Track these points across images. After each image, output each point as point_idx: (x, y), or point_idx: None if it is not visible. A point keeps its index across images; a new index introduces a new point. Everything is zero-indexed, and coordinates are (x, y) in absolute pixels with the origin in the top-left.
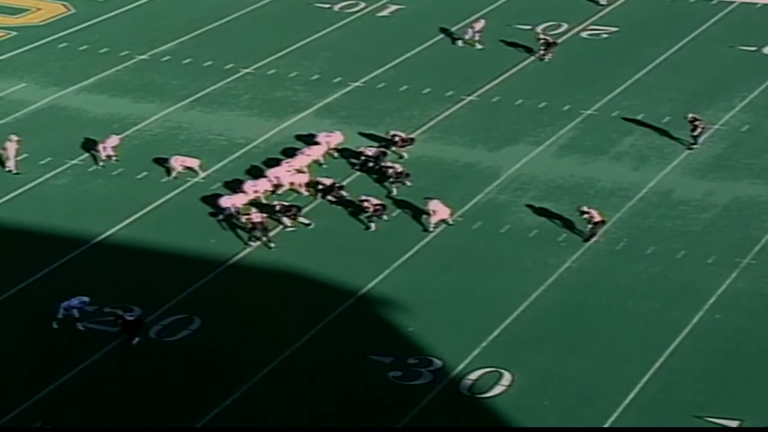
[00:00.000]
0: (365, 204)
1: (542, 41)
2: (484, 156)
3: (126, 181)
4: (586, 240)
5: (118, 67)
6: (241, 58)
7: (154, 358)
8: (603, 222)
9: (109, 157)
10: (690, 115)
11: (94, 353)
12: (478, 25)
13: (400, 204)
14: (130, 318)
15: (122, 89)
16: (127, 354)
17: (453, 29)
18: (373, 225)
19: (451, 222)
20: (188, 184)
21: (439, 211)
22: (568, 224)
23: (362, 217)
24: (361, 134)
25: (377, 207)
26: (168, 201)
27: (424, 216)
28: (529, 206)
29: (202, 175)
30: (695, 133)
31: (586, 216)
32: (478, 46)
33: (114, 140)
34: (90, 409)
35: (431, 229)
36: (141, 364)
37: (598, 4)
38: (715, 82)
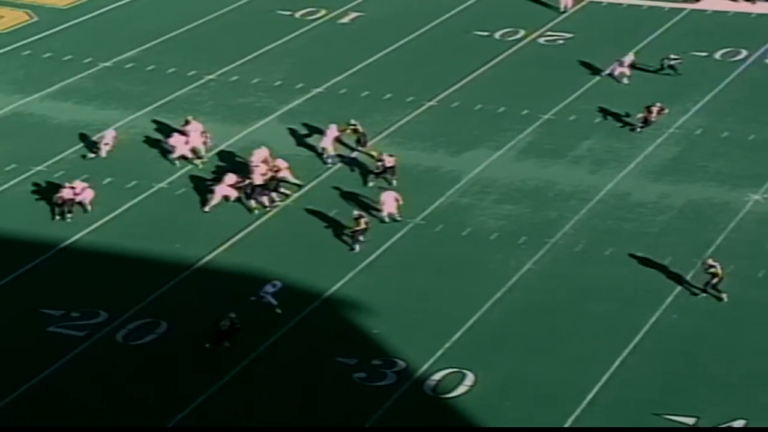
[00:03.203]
0: (360, 221)
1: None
2: (445, 160)
3: (91, 187)
4: (703, 291)
5: (82, 74)
6: (204, 65)
7: (121, 361)
8: (722, 278)
9: (108, 152)
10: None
11: (64, 356)
12: (627, 60)
13: (364, 208)
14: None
15: (86, 96)
16: (94, 357)
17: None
18: (357, 246)
19: (398, 218)
20: (153, 190)
21: (387, 203)
22: (528, 227)
23: (350, 233)
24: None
25: (366, 227)
26: (133, 206)
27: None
28: (491, 209)
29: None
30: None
31: (711, 270)
32: (626, 81)
33: (111, 133)
34: (58, 411)
35: (387, 220)
36: (108, 367)
37: (560, 12)
38: (670, 87)
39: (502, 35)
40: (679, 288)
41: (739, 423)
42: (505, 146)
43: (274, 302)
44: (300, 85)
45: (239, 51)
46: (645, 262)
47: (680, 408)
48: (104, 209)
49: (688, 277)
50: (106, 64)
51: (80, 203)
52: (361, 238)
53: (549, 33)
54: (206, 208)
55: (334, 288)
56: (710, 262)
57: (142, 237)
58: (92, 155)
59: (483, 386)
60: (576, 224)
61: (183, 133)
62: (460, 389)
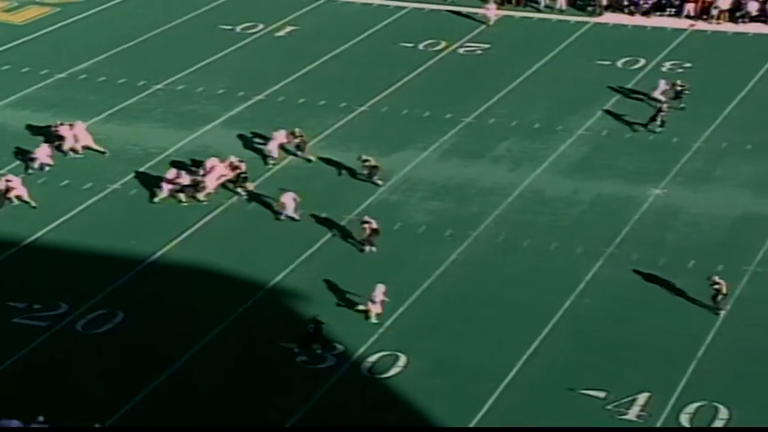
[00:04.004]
0: (365, 226)
1: None
2: (376, 161)
3: (50, 189)
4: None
5: (39, 85)
6: (152, 75)
7: (81, 349)
8: (726, 295)
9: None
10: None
11: (27, 345)
12: (663, 85)
13: (302, 205)
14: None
15: (44, 105)
16: (56, 346)
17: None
18: (367, 248)
19: (297, 217)
20: (107, 191)
21: (287, 203)
22: (453, 221)
23: (359, 238)
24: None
25: (373, 231)
26: (90, 206)
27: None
28: (418, 205)
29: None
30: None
31: (716, 287)
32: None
33: (81, 126)
34: (23, 397)
35: (282, 218)
36: (69, 355)
37: (487, 25)
38: (578, 92)
39: (425, 46)
40: (590, 274)
41: (643, 395)
42: (430, 147)
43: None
44: (241, 93)
45: (185, 62)
46: (559, 251)
47: (592, 383)
48: (63, 209)
49: (598, 265)
50: (61, 75)
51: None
52: (372, 240)
53: (468, 44)
54: (156, 199)
55: (277, 279)
56: (716, 279)
57: (98, 234)
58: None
59: (414, 367)
60: (496, 218)
61: (59, 137)
62: (394, 370)
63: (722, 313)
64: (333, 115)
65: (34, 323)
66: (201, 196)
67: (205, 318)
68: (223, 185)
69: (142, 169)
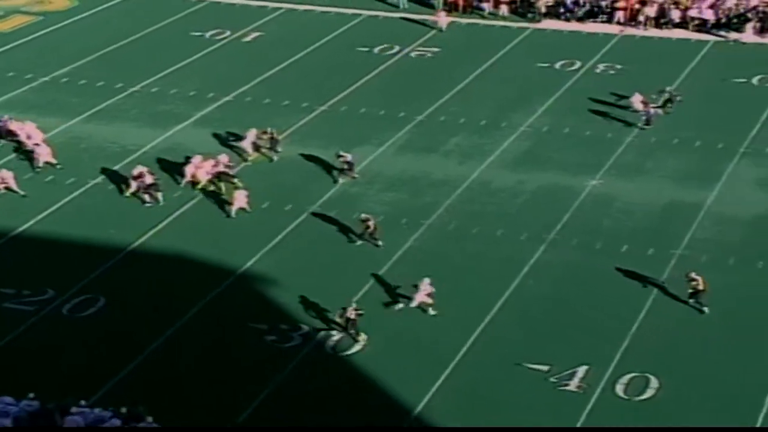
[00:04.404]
0: (368, 223)
1: None
2: (334, 156)
3: (36, 184)
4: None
5: (24, 88)
6: (129, 78)
7: (68, 332)
8: (704, 291)
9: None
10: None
11: (17, 328)
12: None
13: (269, 197)
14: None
15: (29, 106)
16: (43, 329)
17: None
18: (380, 243)
19: (248, 209)
20: (89, 185)
21: (239, 199)
22: (408, 210)
23: (362, 235)
24: (235, 138)
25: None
26: (73, 199)
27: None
28: (376, 196)
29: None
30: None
31: (693, 283)
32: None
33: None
34: (14, 376)
35: (233, 215)
36: (55, 337)
37: (440, 30)
38: (520, 92)
39: (380, 50)
40: (534, 258)
41: (582, 368)
42: (386, 143)
43: None
44: (211, 95)
45: (159, 66)
46: (505, 238)
47: (536, 358)
48: (48, 202)
49: (541, 250)
50: (45, 79)
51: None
52: (377, 236)
53: (419, 48)
54: (127, 193)
55: (248, 264)
56: (693, 275)
57: (81, 225)
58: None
59: (373, 345)
60: (447, 208)
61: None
62: (355, 348)
63: (706, 310)
64: (296, 115)
65: (24, 308)
66: (159, 196)
67: (180, 301)
68: (213, 179)
69: (120, 165)
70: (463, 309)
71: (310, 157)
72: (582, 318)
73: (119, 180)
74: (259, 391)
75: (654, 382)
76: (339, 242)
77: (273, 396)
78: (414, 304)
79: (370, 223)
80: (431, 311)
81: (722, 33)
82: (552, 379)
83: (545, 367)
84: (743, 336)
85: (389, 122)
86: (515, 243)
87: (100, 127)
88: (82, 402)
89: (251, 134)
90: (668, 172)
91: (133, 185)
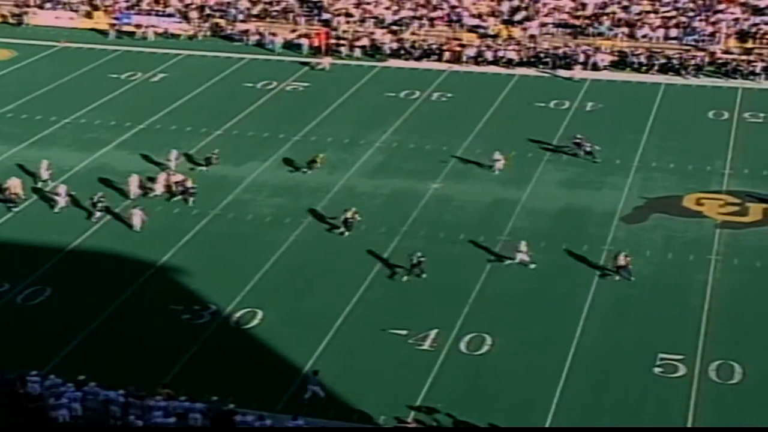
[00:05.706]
0: (349, 212)
1: None
2: (231, 170)
3: None
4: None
5: None
6: (61, 113)
7: (21, 317)
8: (625, 267)
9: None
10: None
11: None
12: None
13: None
14: None
15: None
16: (1, 315)
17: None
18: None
19: (138, 230)
20: (33, 199)
21: (135, 217)
22: (290, 212)
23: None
24: (147, 159)
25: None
26: (22, 210)
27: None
28: (264, 201)
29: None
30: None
31: (619, 261)
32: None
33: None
34: None
35: (138, 229)
36: (12, 321)
37: (324, 70)
38: (374, 117)
39: (262, 86)
40: (392, 246)
41: (434, 331)
42: (270, 159)
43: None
44: (128, 124)
45: (85, 102)
46: (368, 231)
47: (397, 324)
48: (1, 213)
49: (397, 239)
50: None
51: None
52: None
53: (293, 83)
54: (56, 210)
55: (165, 258)
56: (621, 257)
57: (29, 230)
58: None
59: (269, 320)
60: (321, 209)
61: None
62: (254, 322)
63: (633, 279)
64: (197, 138)
65: None
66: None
67: (111, 289)
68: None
69: (57, 183)
70: (339, 285)
71: (211, 172)
72: (431, 290)
73: (58, 194)
74: (177, 359)
75: (488, 340)
76: (236, 239)
77: (189, 363)
78: (517, 260)
79: (350, 213)
80: (531, 266)
81: (524, 69)
82: (410, 341)
83: (404, 331)
84: (559, 298)
85: (272, 142)
86: (376, 234)
87: (40, 152)
88: (34, 372)
89: (173, 155)
90: (492, 176)
91: (62, 201)
